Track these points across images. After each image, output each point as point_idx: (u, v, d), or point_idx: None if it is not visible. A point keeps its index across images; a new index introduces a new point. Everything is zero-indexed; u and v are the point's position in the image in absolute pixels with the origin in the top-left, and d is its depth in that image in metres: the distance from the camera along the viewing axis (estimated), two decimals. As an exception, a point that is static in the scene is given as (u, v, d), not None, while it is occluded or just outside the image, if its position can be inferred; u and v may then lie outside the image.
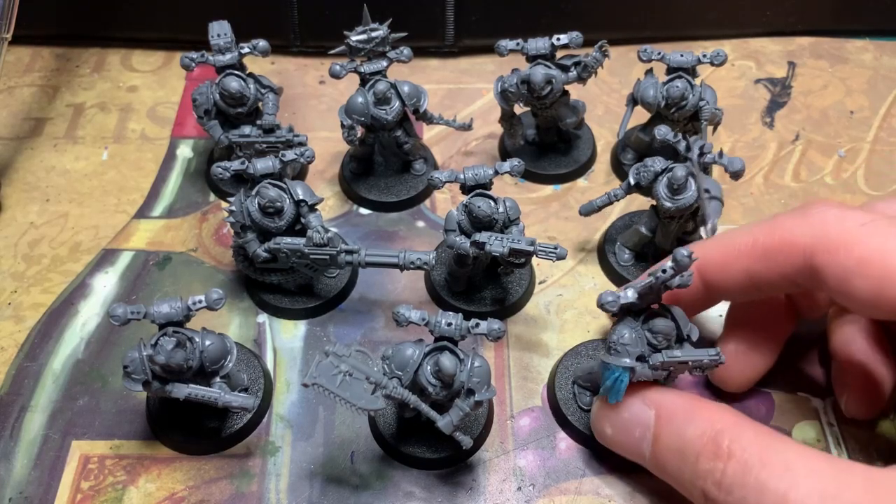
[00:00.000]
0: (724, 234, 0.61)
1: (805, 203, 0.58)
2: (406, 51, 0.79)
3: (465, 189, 0.69)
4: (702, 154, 0.68)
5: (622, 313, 0.58)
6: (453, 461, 0.65)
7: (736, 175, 0.70)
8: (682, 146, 0.69)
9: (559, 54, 0.79)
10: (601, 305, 0.56)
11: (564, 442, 0.67)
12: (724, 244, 0.60)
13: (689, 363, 0.56)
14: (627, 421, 0.58)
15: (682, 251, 0.53)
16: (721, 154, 0.69)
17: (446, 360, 0.56)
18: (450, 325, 0.58)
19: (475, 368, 0.58)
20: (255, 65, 0.93)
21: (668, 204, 0.69)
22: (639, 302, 0.56)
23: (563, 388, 0.68)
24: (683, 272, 0.54)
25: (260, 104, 0.80)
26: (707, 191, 0.68)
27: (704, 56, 0.77)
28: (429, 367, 0.58)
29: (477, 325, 0.59)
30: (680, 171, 0.67)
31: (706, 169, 0.71)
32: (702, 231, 0.71)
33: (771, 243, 0.57)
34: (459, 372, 0.57)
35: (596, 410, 0.62)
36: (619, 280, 0.77)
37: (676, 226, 0.72)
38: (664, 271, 0.54)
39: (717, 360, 0.56)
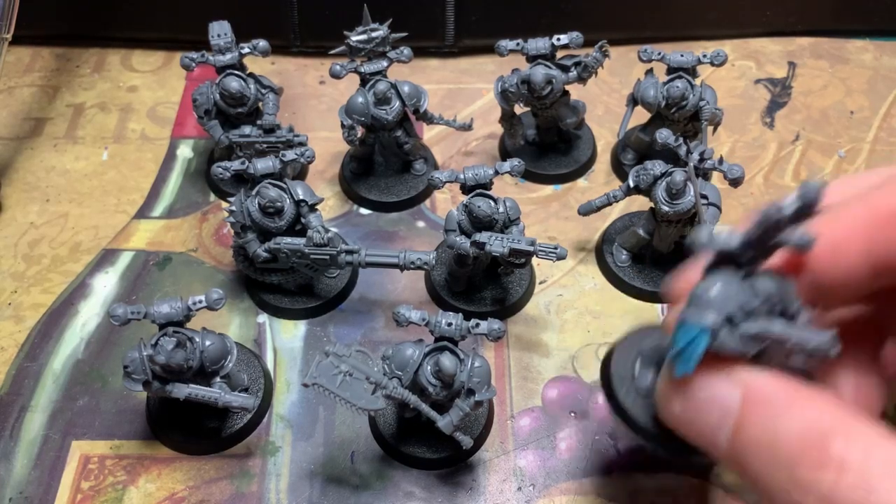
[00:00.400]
0: (820, 213, 0.42)
1: None
2: (406, 51, 0.79)
3: (465, 189, 0.69)
4: (702, 159, 0.68)
5: (718, 262, 0.43)
6: (453, 461, 0.65)
7: (735, 182, 0.70)
8: (682, 150, 0.69)
9: (559, 54, 0.79)
10: (691, 244, 0.42)
11: (564, 442, 0.67)
12: (828, 224, 0.43)
13: (790, 342, 0.41)
14: (704, 400, 0.44)
15: (810, 182, 0.39)
16: (721, 160, 0.69)
17: (446, 360, 0.56)
18: (450, 325, 0.58)
19: (475, 368, 0.58)
20: (255, 65, 0.92)
21: (665, 208, 0.69)
22: (742, 251, 0.41)
23: (621, 364, 0.51)
24: (810, 208, 0.39)
25: (260, 104, 0.80)
26: (705, 196, 0.68)
27: (704, 56, 0.77)
28: (429, 368, 0.58)
29: (477, 325, 0.59)
30: (679, 176, 0.67)
31: (706, 175, 0.71)
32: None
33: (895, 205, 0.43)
34: (459, 372, 0.57)
35: (664, 381, 0.47)
36: (615, 280, 0.77)
37: (674, 230, 0.72)
38: (783, 206, 0.39)
39: (829, 348, 0.41)
